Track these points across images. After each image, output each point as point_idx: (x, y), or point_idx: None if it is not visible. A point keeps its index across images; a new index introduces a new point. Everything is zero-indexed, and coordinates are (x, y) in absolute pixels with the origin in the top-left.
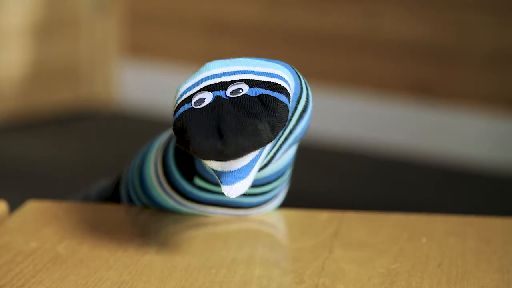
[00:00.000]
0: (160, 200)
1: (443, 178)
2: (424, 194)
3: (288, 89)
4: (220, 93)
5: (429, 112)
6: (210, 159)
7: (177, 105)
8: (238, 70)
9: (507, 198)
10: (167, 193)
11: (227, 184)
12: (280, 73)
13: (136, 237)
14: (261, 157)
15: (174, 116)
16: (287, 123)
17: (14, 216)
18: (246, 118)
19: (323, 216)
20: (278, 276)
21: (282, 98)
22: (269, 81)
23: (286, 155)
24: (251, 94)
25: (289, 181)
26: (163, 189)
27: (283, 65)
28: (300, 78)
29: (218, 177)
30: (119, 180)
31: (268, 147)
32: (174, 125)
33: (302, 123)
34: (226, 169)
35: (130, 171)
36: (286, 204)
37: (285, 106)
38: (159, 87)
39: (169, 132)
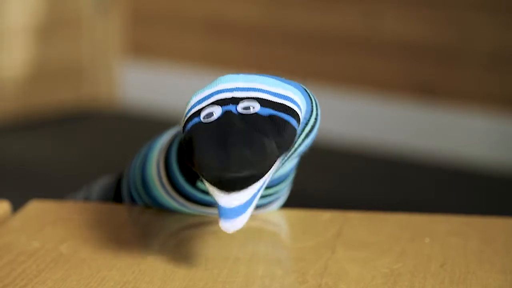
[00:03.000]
0: (162, 201)
1: (445, 178)
2: (426, 194)
3: (300, 114)
4: (231, 107)
5: (430, 112)
6: (213, 172)
7: (186, 119)
8: (251, 87)
9: (509, 198)
10: (170, 195)
11: (225, 218)
12: (293, 96)
13: (139, 237)
14: (260, 191)
15: (183, 130)
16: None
17: (17, 216)
18: (253, 132)
19: (325, 216)
20: (281, 276)
21: (292, 121)
22: (281, 103)
23: (291, 162)
24: (262, 114)
25: (292, 182)
26: (165, 190)
27: (297, 87)
28: (311, 99)
29: (218, 209)
30: (121, 178)
31: (267, 178)
32: (183, 139)
33: (307, 141)
34: (228, 205)
35: (132, 170)
36: (289, 204)
37: (293, 130)
38: (160, 87)
39: (171, 132)
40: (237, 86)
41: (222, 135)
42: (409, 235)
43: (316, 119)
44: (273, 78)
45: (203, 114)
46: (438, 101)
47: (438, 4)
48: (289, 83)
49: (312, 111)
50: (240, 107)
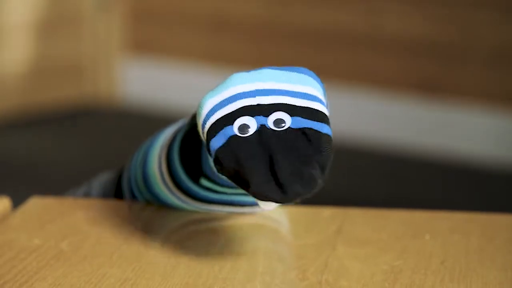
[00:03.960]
0: (164, 198)
1: (446, 175)
2: (427, 191)
3: (326, 113)
4: (262, 120)
5: (433, 109)
6: (267, 200)
7: (211, 121)
8: (271, 89)
9: (510, 195)
10: (172, 192)
11: (263, 206)
12: (313, 91)
13: (140, 233)
14: None
15: (209, 136)
16: None
17: (18, 212)
18: (300, 166)
19: (326, 213)
20: (281, 273)
21: (325, 129)
22: (308, 107)
23: None
24: (294, 127)
25: None
26: (167, 187)
27: (309, 75)
28: (323, 87)
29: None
30: (121, 174)
31: None
32: (221, 154)
33: None
34: (267, 207)
35: (133, 166)
36: None
37: (329, 139)
38: (161, 84)
39: (173, 127)
40: (257, 88)
41: (268, 160)
42: (410, 232)
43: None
44: (283, 70)
45: (236, 125)
46: (440, 98)
47: (440, 2)
48: (302, 73)
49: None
50: (271, 122)
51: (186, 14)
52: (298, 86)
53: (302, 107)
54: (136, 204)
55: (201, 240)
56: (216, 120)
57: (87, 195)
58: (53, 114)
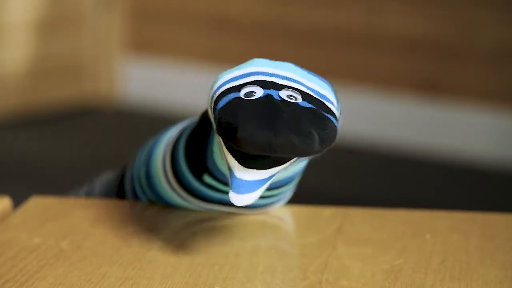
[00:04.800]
0: (166, 196)
1: (446, 174)
2: (427, 191)
3: (337, 116)
4: (273, 92)
5: (433, 108)
6: (256, 150)
7: (220, 91)
8: (291, 77)
9: (510, 194)
10: (174, 189)
11: (236, 192)
12: (330, 96)
13: (140, 233)
14: (273, 176)
15: (216, 102)
16: None
17: (18, 212)
18: (302, 121)
19: (326, 212)
20: (282, 272)
21: (333, 119)
22: (321, 101)
23: (298, 165)
24: (304, 105)
25: (297, 184)
26: (169, 185)
27: (329, 87)
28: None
29: (231, 181)
30: (124, 173)
31: (285, 166)
32: (220, 112)
33: None
34: (244, 177)
35: (136, 166)
36: (290, 200)
37: (335, 128)
38: (162, 83)
39: (177, 127)
40: (276, 73)
41: (269, 115)
42: (410, 231)
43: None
44: (306, 71)
45: (243, 91)
46: (440, 97)
47: (440, 1)
48: (324, 81)
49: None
50: (283, 94)
51: (186, 13)
52: (317, 87)
53: (317, 99)
54: (136, 204)
55: (201, 239)
56: (225, 89)
57: (89, 194)
58: (53, 114)
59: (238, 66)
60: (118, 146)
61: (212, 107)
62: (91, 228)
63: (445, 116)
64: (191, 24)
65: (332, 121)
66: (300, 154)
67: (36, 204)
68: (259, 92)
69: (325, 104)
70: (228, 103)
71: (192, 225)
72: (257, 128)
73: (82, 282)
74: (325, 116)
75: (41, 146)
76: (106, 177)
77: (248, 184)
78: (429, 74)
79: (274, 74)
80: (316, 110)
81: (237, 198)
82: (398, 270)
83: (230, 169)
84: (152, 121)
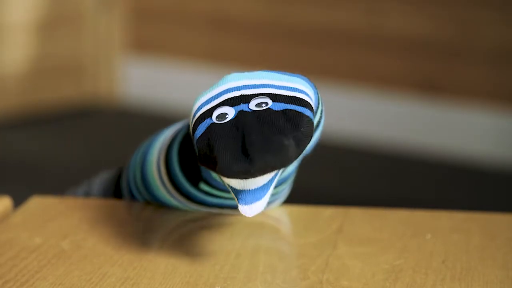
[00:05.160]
0: (163, 199)
1: (446, 174)
2: (428, 190)
3: (312, 104)
4: (243, 106)
5: (434, 108)
6: (236, 177)
7: (195, 118)
8: (259, 83)
9: (511, 194)
10: (171, 194)
11: (244, 204)
12: (302, 87)
13: (141, 233)
14: (277, 176)
15: (194, 132)
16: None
17: (18, 211)
18: (271, 135)
19: (327, 212)
20: (282, 272)
21: (307, 112)
22: (292, 96)
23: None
24: (275, 109)
25: (293, 183)
26: (166, 190)
27: (303, 79)
28: (318, 94)
29: (236, 195)
30: (121, 173)
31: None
32: (198, 142)
33: (313, 138)
34: (246, 188)
35: (131, 167)
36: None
37: (310, 121)
38: (162, 83)
39: (172, 129)
40: (244, 84)
41: (240, 138)
42: (410, 231)
43: (321, 115)
44: (279, 72)
45: (215, 114)
46: (441, 97)
47: (440, 1)
48: (294, 75)
49: (318, 104)
50: (252, 105)
51: (187, 13)
52: (288, 83)
53: (286, 95)
54: (136, 204)
55: (202, 239)
56: (200, 115)
57: (87, 193)
58: (53, 114)
59: (215, 84)
60: (118, 146)
61: (192, 133)
62: (91, 228)
63: (445, 116)
64: (191, 24)
65: (306, 115)
66: (280, 167)
67: (37, 204)
68: (230, 112)
69: (297, 97)
70: (204, 133)
71: (193, 225)
72: (232, 159)
73: (83, 282)
74: (297, 112)
75: (41, 146)
76: (104, 177)
77: (252, 193)
78: (429, 74)
79: (243, 86)
80: (287, 110)
81: (247, 210)
82: (399, 270)
83: (229, 185)
84: (152, 121)
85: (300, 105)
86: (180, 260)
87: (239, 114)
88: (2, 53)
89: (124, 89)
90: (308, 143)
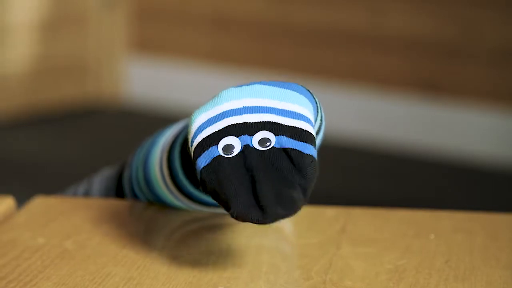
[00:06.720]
0: (166, 200)
1: (449, 174)
2: (430, 190)
3: (313, 132)
4: (247, 139)
5: (435, 108)
6: (247, 221)
7: (197, 142)
8: (259, 105)
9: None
10: (174, 195)
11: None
12: (301, 109)
13: (144, 232)
14: None
15: (197, 157)
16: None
17: (22, 211)
18: (281, 187)
19: (330, 213)
20: (286, 272)
21: (309, 149)
22: (293, 127)
23: None
24: (278, 146)
25: None
26: (169, 190)
27: (301, 92)
28: (316, 102)
29: None
30: (122, 171)
31: None
32: (203, 173)
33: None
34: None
35: (134, 166)
36: None
37: (313, 161)
38: (166, 83)
39: (174, 128)
40: (245, 105)
41: (250, 182)
42: (413, 231)
43: (321, 121)
44: (274, 85)
45: (220, 145)
46: (442, 97)
47: (441, 1)
48: (292, 89)
49: (317, 112)
50: (255, 141)
51: (190, 13)
52: (286, 104)
53: (287, 126)
54: (139, 204)
55: (205, 239)
56: (203, 139)
57: (87, 191)
58: (57, 113)
59: (212, 101)
60: (121, 146)
61: (192, 155)
62: (94, 228)
63: (446, 115)
64: (194, 24)
65: (309, 155)
66: (290, 216)
67: (40, 204)
68: (236, 145)
69: (298, 129)
70: (210, 164)
71: (196, 225)
72: (245, 208)
73: (86, 281)
74: (300, 154)
75: (44, 146)
76: (105, 174)
77: None
78: (430, 74)
79: (243, 108)
80: (290, 150)
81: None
82: (402, 270)
83: None
84: (155, 121)
85: (302, 141)
86: (183, 260)
87: (245, 150)
88: (5, 53)
89: (127, 89)
90: (313, 186)
